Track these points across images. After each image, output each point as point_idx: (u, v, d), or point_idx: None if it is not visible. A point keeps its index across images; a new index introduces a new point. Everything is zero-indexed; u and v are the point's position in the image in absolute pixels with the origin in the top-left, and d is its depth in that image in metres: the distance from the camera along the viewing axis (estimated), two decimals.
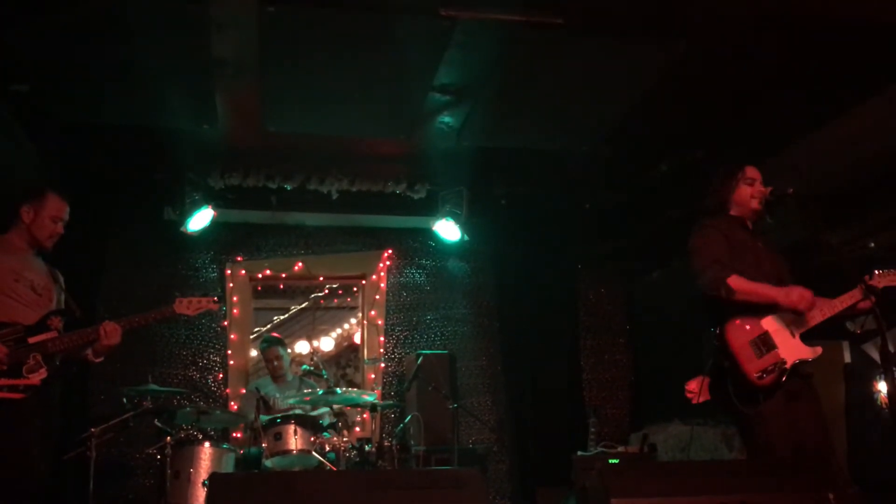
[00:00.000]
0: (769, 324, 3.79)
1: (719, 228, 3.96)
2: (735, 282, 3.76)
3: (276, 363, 6.63)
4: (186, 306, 4.30)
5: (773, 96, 5.28)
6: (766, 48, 4.75)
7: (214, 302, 4.38)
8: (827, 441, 3.79)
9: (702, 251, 3.92)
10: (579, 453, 6.53)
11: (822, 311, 3.79)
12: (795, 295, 3.71)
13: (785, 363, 3.70)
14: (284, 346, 6.83)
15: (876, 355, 6.14)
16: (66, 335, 3.98)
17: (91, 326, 4.05)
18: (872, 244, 5.87)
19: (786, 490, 3.19)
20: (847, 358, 6.42)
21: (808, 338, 3.79)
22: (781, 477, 3.27)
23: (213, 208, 6.77)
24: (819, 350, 3.77)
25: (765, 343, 3.74)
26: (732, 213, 4.07)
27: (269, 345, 6.73)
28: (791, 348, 3.74)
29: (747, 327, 3.77)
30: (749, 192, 4.01)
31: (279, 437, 5.56)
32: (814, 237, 3.79)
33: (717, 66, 4.97)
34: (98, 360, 4.21)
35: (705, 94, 5.32)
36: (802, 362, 3.75)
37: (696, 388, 3.87)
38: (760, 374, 3.67)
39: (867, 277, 3.73)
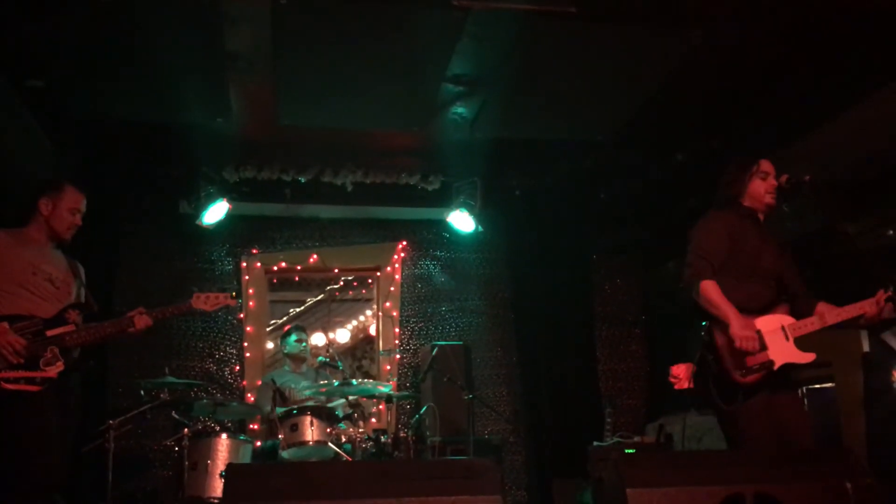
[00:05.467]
0: (764, 323, 3.78)
1: (724, 220, 3.95)
2: (706, 286, 3.77)
3: (303, 345, 6.74)
4: (204, 301, 4.33)
5: (789, 84, 5.24)
6: (783, 35, 4.71)
7: (232, 297, 4.41)
8: (809, 430, 3.82)
9: (699, 240, 3.93)
10: (595, 444, 6.52)
11: (824, 318, 3.79)
12: (745, 332, 3.68)
13: (773, 364, 3.69)
14: (307, 334, 6.93)
15: (895, 344, 6.09)
16: (93, 326, 4.02)
17: (118, 318, 4.11)
18: (891, 232, 5.81)
19: (802, 480, 3.17)
20: (865, 347, 6.36)
21: (803, 342, 3.78)
22: (798, 467, 3.25)
23: (228, 201, 6.80)
24: (812, 356, 3.75)
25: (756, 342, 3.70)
26: (746, 204, 4.03)
27: (299, 329, 6.86)
28: (782, 351, 3.73)
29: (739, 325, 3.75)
30: (763, 186, 3.97)
31: (295, 428, 5.59)
32: (831, 226, 3.76)
33: (734, 54, 4.93)
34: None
35: (722, 82, 5.29)
36: (792, 366, 3.74)
37: (680, 374, 3.90)
38: (743, 371, 3.68)
39: (886, 291, 3.73)
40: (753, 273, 3.86)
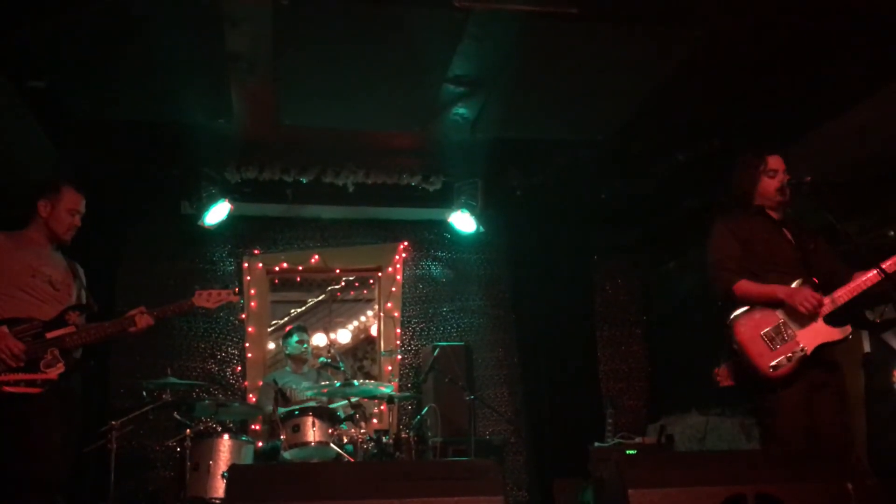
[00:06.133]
0: (787, 311, 3.72)
1: (729, 226, 3.95)
2: (740, 288, 3.78)
3: (305, 346, 6.75)
4: (206, 299, 4.34)
5: (791, 84, 5.23)
6: (783, 36, 4.71)
7: (235, 294, 4.41)
8: (844, 432, 3.75)
9: (712, 254, 3.94)
10: (596, 444, 6.52)
11: (850, 290, 3.72)
12: (801, 296, 3.66)
13: (805, 350, 3.64)
14: (309, 335, 6.94)
15: (895, 344, 6.09)
16: (93, 326, 4.02)
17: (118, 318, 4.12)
18: (892, 233, 5.81)
19: (803, 480, 3.17)
20: (866, 347, 6.36)
21: (834, 319, 3.70)
22: (799, 467, 3.25)
23: (229, 202, 6.80)
24: (848, 329, 3.68)
25: (780, 333, 3.69)
26: (757, 202, 4.00)
27: (301, 329, 6.86)
28: (813, 333, 3.68)
29: (759, 319, 3.74)
30: (772, 185, 3.95)
31: (297, 428, 5.59)
32: (831, 226, 3.74)
33: (734, 54, 4.93)
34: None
35: (722, 82, 5.28)
36: (827, 346, 3.68)
37: (721, 373, 3.88)
38: (774, 366, 3.63)
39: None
40: (771, 266, 3.84)
